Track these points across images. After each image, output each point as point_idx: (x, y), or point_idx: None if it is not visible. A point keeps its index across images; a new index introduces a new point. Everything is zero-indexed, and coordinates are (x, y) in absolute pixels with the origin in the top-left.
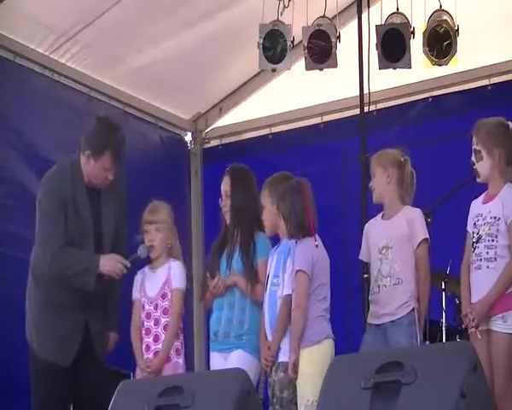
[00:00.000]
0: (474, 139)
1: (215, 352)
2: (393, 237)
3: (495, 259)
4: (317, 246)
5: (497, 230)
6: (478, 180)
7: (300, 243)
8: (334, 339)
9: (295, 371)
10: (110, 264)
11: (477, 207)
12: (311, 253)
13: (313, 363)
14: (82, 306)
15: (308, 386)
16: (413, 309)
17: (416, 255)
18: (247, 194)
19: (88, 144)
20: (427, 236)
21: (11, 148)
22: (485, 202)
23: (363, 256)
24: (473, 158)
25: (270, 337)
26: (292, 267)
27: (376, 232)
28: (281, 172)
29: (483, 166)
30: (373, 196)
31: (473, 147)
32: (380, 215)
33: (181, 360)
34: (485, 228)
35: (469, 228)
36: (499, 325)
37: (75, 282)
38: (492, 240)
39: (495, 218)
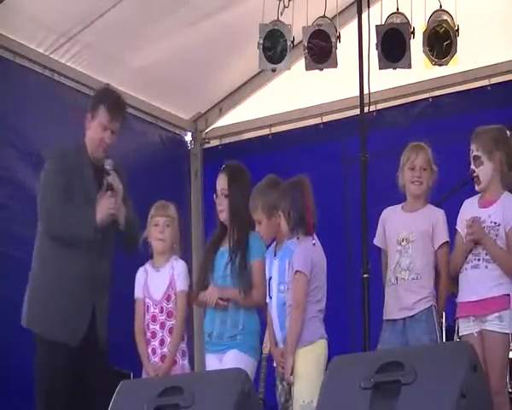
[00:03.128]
0: (472, 146)
1: (209, 353)
2: (415, 232)
3: (494, 260)
4: (314, 245)
5: (497, 234)
6: (477, 188)
7: (300, 243)
8: (327, 339)
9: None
10: (101, 209)
11: (473, 210)
12: (310, 254)
13: (308, 363)
14: (90, 289)
15: (303, 387)
16: (431, 306)
17: (437, 256)
18: (243, 194)
19: (88, 107)
20: (449, 239)
21: (11, 148)
22: (483, 207)
23: (378, 242)
24: (472, 166)
25: (280, 344)
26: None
27: (396, 222)
28: (267, 177)
29: (484, 171)
30: (418, 189)
31: (472, 154)
32: (399, 206)
33: (186, 362)
34: None
35: (460, 229)
36: (495, 324)
37: (74, 232)
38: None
39: (495, 223)
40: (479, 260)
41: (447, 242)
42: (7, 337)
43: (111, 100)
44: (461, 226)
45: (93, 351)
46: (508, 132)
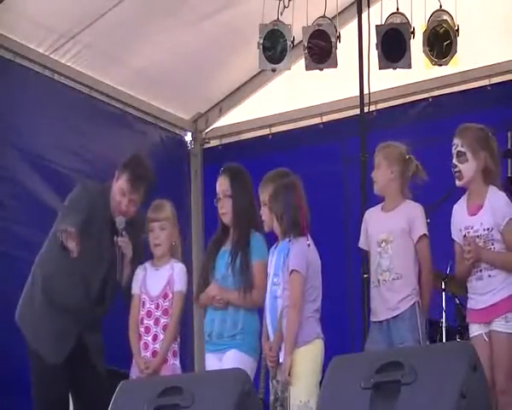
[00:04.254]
0: (457, 141)
1: (209, 353)
2: (393, 232)
3: (497, 267)
4: (308, 245)
5: (493, 239)
6: (459, 183)
7: (295, 243)
8: (323, 339)
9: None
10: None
11: (464, 218)
12: (305, 254)
13: (304, 363)
14: (79, 320)
15: (300, 386)
16: (414, 303)
17: (418, 250)
18: (246, 194)
19: (119, 166)
20: (426, 232)
21: (11, 147)
22: (473, 214)
23: (362, 244)
24: (455, 161)
25: (271, 337)
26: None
27: (375, 224)
28: (278, 168)
29: (468, 168)
30: (374, 187)
31: (455, 149)
32: (380, 206)
33: (177, 362)
34: (480, 241)
35: (457, 238)
36: (502, 325)
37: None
38: (489, 249)
39: (488, 229)
40: (481, 270)
41: (425, 234)
42: (7, 337)
43: (135, 172)
44: (457, 236)
45: (86, 373)
46: (489, 134)
